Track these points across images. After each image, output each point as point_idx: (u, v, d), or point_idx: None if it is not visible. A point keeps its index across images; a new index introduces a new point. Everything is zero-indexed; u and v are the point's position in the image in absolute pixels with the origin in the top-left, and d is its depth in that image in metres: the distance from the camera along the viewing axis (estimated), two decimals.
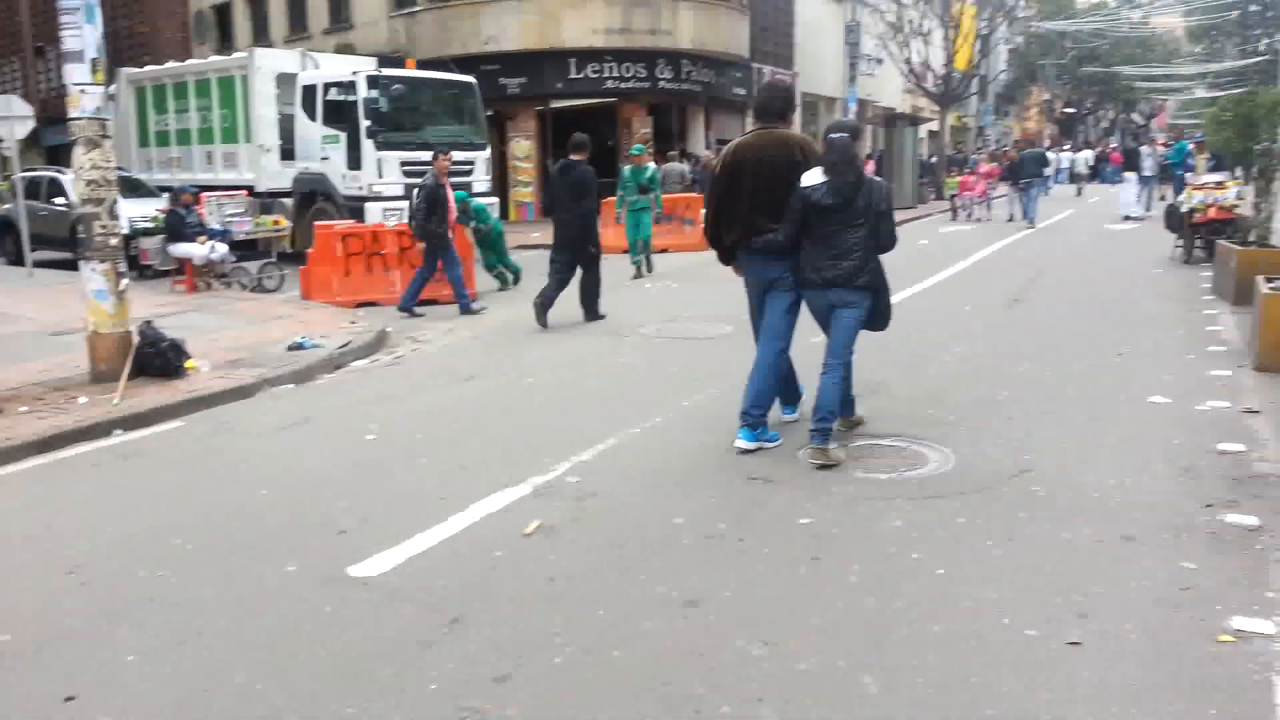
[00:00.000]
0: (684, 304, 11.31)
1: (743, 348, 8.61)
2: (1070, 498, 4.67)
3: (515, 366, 8.22)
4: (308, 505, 4.91)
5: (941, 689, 3.05)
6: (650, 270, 14.33)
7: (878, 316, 5.58)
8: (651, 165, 15.76)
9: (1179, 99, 62.83)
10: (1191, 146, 23.08)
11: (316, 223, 13.58)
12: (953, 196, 24.43)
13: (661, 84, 25.78)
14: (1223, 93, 30.59)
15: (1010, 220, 21.79)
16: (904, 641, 3.35)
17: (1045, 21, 49.99)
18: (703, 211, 6.28)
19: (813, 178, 5.27)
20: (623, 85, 25.21)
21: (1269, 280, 7.77)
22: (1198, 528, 4.25)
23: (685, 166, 21.59)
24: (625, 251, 14.47)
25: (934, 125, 38.21)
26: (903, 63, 33.93)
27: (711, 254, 6.20)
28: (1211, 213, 13.08)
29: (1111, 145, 51.13)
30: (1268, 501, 4.51)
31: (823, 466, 5.19)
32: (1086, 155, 40.20)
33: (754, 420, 5.58)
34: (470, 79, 17.13)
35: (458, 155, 13.86)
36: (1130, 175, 23.09)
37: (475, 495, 4.89)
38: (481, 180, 16.46)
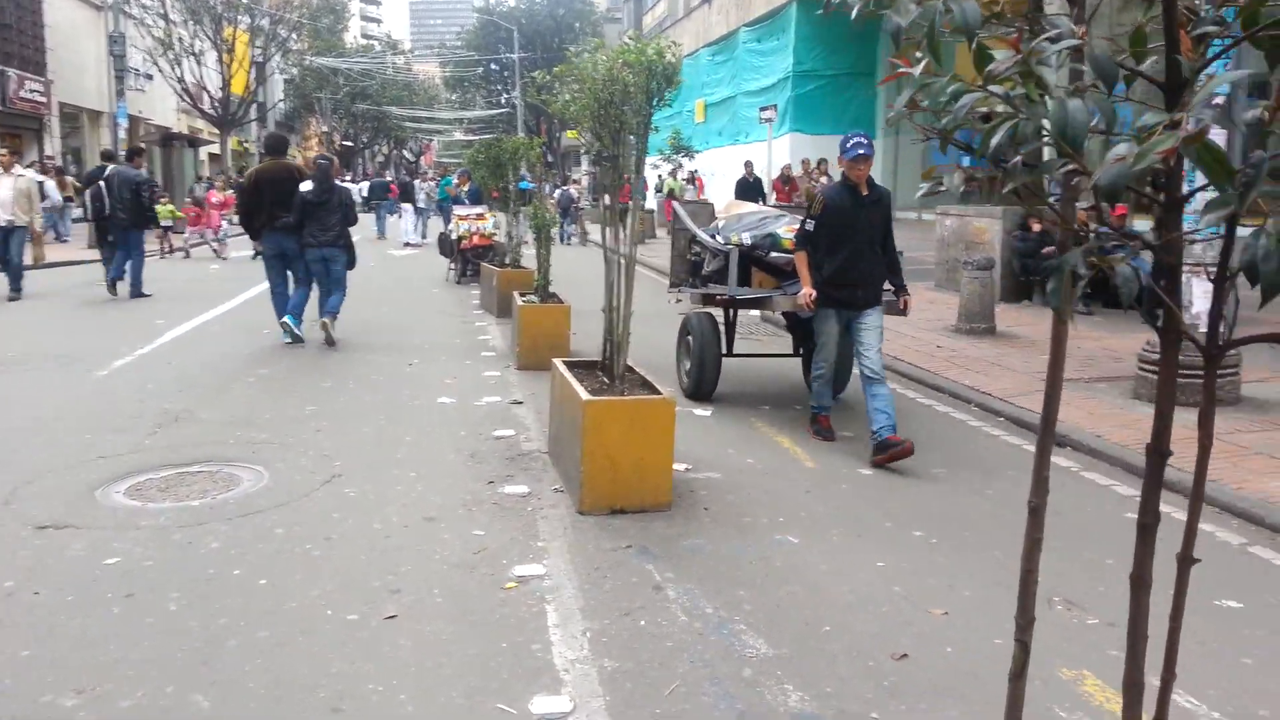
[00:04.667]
0: None
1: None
2: (378, 493, 5.10)
3: None
4: None
5: (275, 686, 3.16)
6: None
7: (351, 261, 9.77)
8: None
9: (442, 139, 70.38)
10: (457, 180, 25.96)
11: None
12: (167, 229, 19.67)
13: None
14: (477, 137, 35.14)
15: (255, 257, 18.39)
16: (233, 653, 3.38)
17: (318, 57, 51.85)
18: None
19: (306, 185, 9.32)
20: None
21: (522, 295, 9.31)
22: (484, 501, 4.98)
23: None
24: None
25: (215, 148, 37.16)
26: (176, 81, 32.42)
27: None
28: (475, 240, 15.07)
29: (389, 178, 55.09)
30: (533, 473, 5.47)
31: (329, 341, 9.36)
32: (363, 187, 42.60)
33: (297, 316, 9.51)
34: None
35: None
36: (407, 206, 25.26)
37: None
38: None
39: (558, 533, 4.55)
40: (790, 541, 4.44)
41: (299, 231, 9.33)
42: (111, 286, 13.11)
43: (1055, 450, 5.94)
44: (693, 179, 25.71)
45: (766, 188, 20.99)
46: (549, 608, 3.76)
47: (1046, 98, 1.14)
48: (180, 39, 32.12)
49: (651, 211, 26.11)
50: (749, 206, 8.22)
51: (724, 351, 7.24)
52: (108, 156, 15.26)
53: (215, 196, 20.78)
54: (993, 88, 1.18)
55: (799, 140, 23.42)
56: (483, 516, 4.76)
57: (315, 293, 9.80)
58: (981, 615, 3.70)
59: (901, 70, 1.32)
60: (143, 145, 16.14)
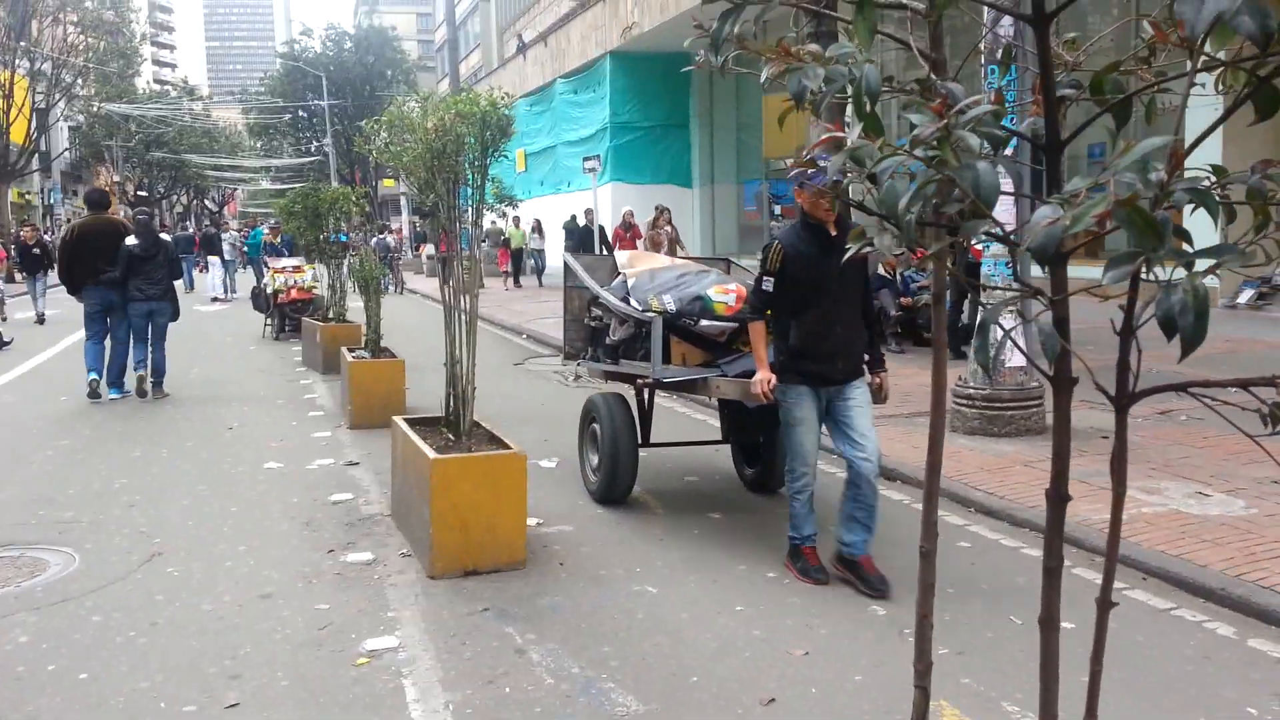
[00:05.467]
0: None
1: None
2: (206, 571, 4.75)
3: None
4: None
5: None
6: None
7: (175, 313, 9.76)
8: None
9: (247, 189, 67.46)
10: (267, 232, 24.79)
11: None
12: None
13: None
14: (286, 186, 33.86)
15: (40, 321, 17.34)
16: None
17: (107, 103, 48.80)
18: None
19: (132, 240, 9.30)
20: None
21: (351, 350, 8.97)
22: (325, 572, 4.72)
23: None
24: None
25: None
26: None
27: None
28: (294, 293, 14.45)
29: (191, 229, 52.14)
30: (377, 538, 5.23)
31: (143, 393, 9.45)
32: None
33: (119, 384, 9.48)
34: None
35: None
36: (214, 259, 23.94)
37: None
38: None
39: (409, 600, 4.36)
40: (649, 591, 4.43)
41: (123, 286, 9.35)
42: None
43: (885, 484, 6.23)
44: (539, 227, 25.46)
45: (610, 235, 21.11)
46: (406, 682, 3.59)
47: (959, 160, 1.21)
48: None
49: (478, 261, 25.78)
50: (660, 260, 6.75)
51: (640, 441, 5.83)
52: None
53: None
54: (917, 151, 1.24)
55: (620, 189, 23.91)
56: (325, 589, 4.51)
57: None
58: (840, 652, 3.80)
59: (831, 135, 1.36)
60: None
